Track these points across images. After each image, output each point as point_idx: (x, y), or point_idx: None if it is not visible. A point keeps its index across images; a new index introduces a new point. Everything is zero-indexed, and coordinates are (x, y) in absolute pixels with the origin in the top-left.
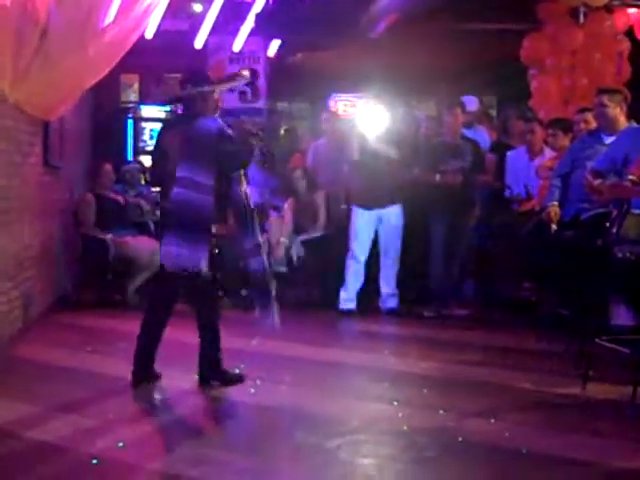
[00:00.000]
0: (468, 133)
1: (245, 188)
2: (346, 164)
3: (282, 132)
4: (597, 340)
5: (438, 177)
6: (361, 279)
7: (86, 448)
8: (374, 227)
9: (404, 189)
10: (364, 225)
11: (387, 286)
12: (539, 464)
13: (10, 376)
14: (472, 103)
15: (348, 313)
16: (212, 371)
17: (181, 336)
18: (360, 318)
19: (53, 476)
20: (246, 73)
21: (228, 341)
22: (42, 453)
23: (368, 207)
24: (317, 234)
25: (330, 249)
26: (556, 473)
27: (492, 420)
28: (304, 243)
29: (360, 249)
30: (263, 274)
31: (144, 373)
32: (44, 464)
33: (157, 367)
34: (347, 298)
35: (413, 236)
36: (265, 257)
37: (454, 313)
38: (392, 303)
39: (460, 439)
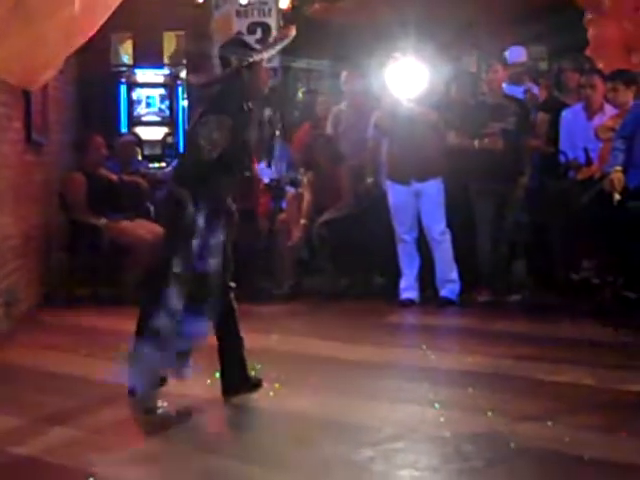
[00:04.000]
0: (516, 90)
1: None
2: (373, 130)
3: (300, 95)
4: None
5: (477, 142)
6: (417, 262)
7: (81, 465)
8: (414, 202)
9: (442, 159)
10: (403, 202)
11: (440, 271)
12: (606, 474)
13: None
14: (519, 54)
15: (408, 304)
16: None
17: None
18: (394, 309)
19: None
20: (293, 31)
21: None
22: (30, 471)
23: (405, 181)
24: (341, 213)
25: (358, 230)
26: None
27: (549, 423)
28: (327, 224)
29: (404, 228)
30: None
31: None
32: None
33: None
34: (406, 286)
35: (455, 212)
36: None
37: (505, 299)
38: (446, 291)
39: (512, 446)
